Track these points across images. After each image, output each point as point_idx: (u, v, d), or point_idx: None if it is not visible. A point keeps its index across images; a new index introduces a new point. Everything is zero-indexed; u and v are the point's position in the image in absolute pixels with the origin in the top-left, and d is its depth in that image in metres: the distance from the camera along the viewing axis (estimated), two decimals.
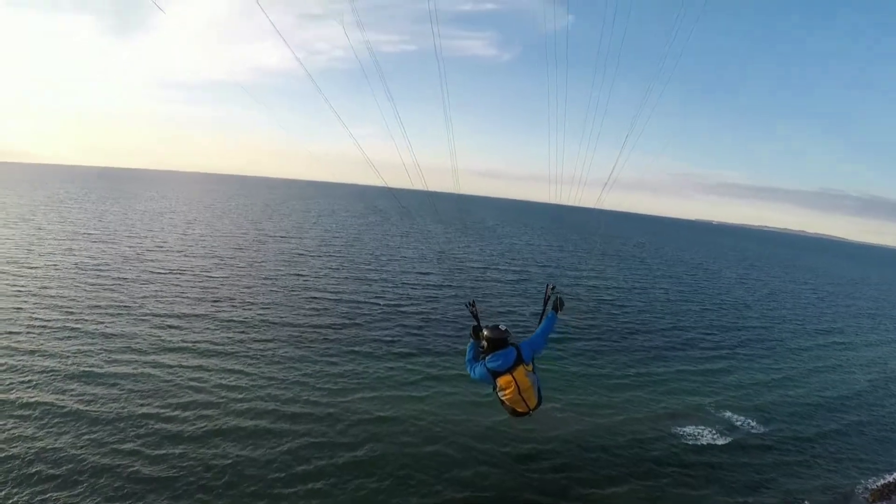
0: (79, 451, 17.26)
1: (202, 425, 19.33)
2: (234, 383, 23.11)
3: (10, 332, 26.66)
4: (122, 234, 61.67)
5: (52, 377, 22.13)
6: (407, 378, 25.23)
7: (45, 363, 23.36)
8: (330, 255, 57.30)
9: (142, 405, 20.50)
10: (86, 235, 58.26)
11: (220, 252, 54.30)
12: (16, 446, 17.34)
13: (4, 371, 22.48)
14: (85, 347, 25.64)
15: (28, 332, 26.90)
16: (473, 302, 7.52)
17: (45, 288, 35.39)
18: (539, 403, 6.81)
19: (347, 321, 33.22)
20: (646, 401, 25.34)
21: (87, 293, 34.79)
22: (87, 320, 29.50)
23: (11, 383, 21.47)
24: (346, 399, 22.39)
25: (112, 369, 23.43)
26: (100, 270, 41.53)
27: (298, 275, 45.67)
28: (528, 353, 6.80)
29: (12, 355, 24.06)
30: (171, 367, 24.16)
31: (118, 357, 24.78)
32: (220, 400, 21.40)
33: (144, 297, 34.96)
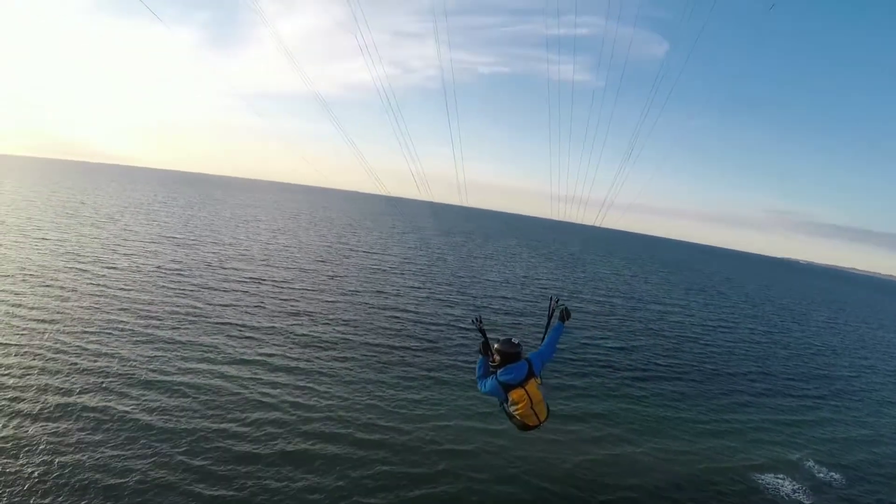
0: (142, 463, 16.30)
1: (271, 445, 18.18)
2: (307, 402, 21.64)
3: (85, 332, 25.94)
4: (207, 239, 61.88)
5: (122, 382, 21.21)
6: (484, 409, 22.62)
7: (117, 367, 22.48)
8: (412, 274, 54.60)
9: (211, 419, 19.43)
10: (171, 239, 58.68)
11: (302, 264, 52.98)
12: (79, 452, 16.43)
13: (74, 372, 21.70)
14: (158, 354, 24.62)
15: (102, 334, 26.14)
16: (480, 318, 7.56)
17: (125, 289, 34.70)
18: (548, 416, 6.82)
19: (427, 344, 30.88)
20: (729, 449, 23.12)
21: (165, 298, 33.83)
22: (163, 326, 28.34)
23: (80, 385, 20.64)
24: (421, 427, 20.82)
25: (183, 378, 22.36)
26: (181, 275, 40.79)
27: (380, 292, 43.06)
28: (538, 365, 6.84)
29: (83, 355, 23.35)
30: (243, 380, 22.88)
31: (190, 366, 23.66)
32: (291, 419, 20.11)
33: (223, 305, 33.65)
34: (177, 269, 42.43)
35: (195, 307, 32.43)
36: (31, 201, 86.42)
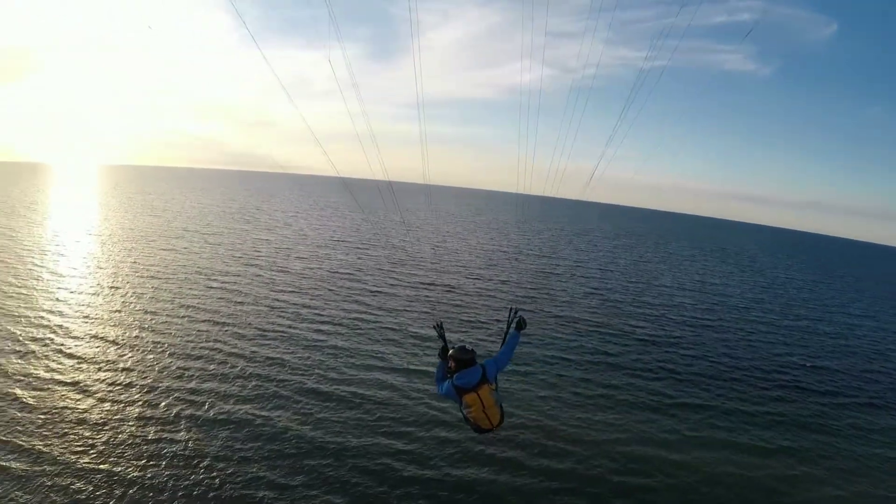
0: (305, 477, 15.57)
1: (439, 467, 16.29)
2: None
3: (256, 335, 26.69)
4: (377, 244, 63.14)
5: (287, 389, 21.03)
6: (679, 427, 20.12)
7: (286, 376, 22.22)
8: (583, 278, 50.86)
9: (380, 433, 18.26)
10: (342, 243, 61.26)
11: (472, 267, 51.52)
12: (241, 463, 16.03)
13: (243, 377, 22.02)
14: (326, 360, 24.43)
15: (272, 338, 26.71)
16: (441, 323, 8.01)
17: (297, 292, 35.95)
18: (501, 421, 7.08)
19: (601, 352, 27.77)
20: None
21: (335, 302, 34.12)
22: (332, 332, 28.30)
23: (248, 390, 20.74)
24: (626, 449, 18.39)
25: (350, 389, 21.62)
26: (353, 279, 41.21)
27: (552, 298, 40.05)
28: (492, 371, 7.15)
29: (253, 359, 23.82)
30: (412, 395, 21.17)
31: (357, 376, 22.84)
32: (461, 438, 18.02)
33: (391, 309, 33.08)
34: (348, 273, 43.28)
35: (365, 312, 32.36)
36: (210, 208, 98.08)
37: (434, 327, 8.15)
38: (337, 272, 44.15)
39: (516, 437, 18.03)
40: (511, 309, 8.08)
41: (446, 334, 7.94)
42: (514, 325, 7.95)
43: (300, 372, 22.56)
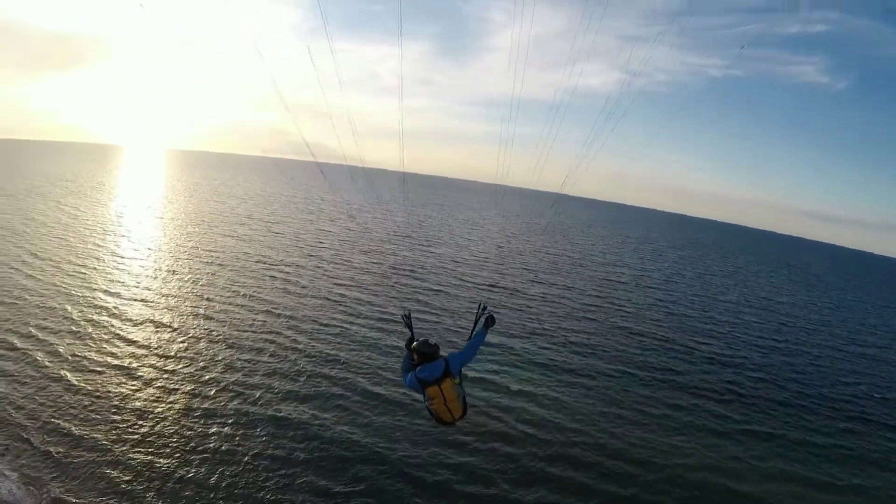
0: (342, 488, 15.15)
1: (510, 495, 15.78)
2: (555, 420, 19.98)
3: (317, 331, 26.95)
4: (441, 241, 63.84)
5: (341, 388, 21.13)
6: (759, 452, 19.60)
7: (340, 373, 22.44)
8: (649, 288, 50.12)
9: (438, 444, 17.92)
10: (406, 238, 61.79)
11: (536, 271, 51.22)
12: (274, 463, 16.04)
13: (298, 373, 22.08)
14: (384, 360, 24.29)
15: (329, 334, 26.83)
16: (409, 314, 8.06)
17: (358, 287, 36.41)
18: (463, 414, 7.25)
19: (666, 369, 27.43)
20: None
21: (395, 300, 34.43)
22: (389, 330, 28.02)
23: (294, 386, 20.78)
24: (692, 476, 18.23)
25: (406, 393, 20.69)
26: (413, 276, 41.55)
27: (617, 307, 39.50)
28: (455, 366, 7.19)
29: (308, 354, 24.06)
30: (473, 404, 19.42)
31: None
32: (526, 457, 17.86)
33: (452, 311, 33.25)
34: (409, 270, 43.64)
35: (426, 311, 32.66)
36: (275, 197, 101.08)
37: (402, 317, 8.16)
38: (399, 268, 44.32)
39: (581, 455, 17.99)
40: (479, 304, 8.10)
41: (414, 325, 8.02)
42: (482, 321, 7.93)
43: (355, 370, 22.60)
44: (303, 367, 22.44)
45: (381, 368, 22.94)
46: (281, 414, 18.53)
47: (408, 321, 7.97)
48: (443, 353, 7.35)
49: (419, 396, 7.24)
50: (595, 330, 32.97)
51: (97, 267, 35.69)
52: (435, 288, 38.41)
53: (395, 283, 39.08)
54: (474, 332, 7.93)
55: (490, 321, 7.84)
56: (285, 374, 21.80)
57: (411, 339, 7.61)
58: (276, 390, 20.26)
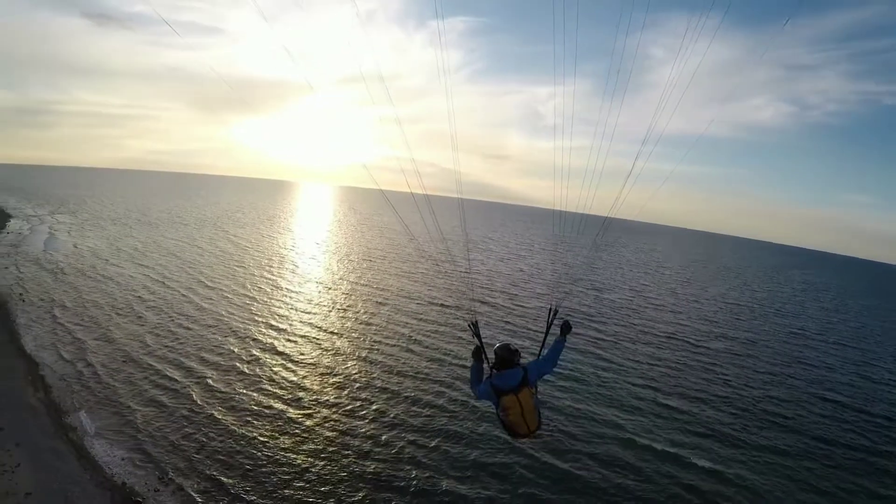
0: None
1: None
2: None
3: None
4: (615, 284, 63.62)
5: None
6: None
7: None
8: (837, 345, 44.75)
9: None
10: (579, 281, 61.38)
11: (715, 320, 49.05)
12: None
13: (471, 431, 22.03)
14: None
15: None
16: (476, 322, 7.54)
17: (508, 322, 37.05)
18: (539, 427, 6.76)
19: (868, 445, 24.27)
20: None
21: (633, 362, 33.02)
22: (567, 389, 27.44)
23: (466, 449, 20.45)
24: None
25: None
26: (594, 319, 41.86)
27: (809, 366, 36.29)
28: (534, 375, 6.81)
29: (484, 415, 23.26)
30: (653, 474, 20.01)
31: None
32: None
33: (637, 362, 32.43)
34: (587, 314, 43.77)
35: (612, 359, 32.24)
36: (448, 234, 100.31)
37: (469, 325, 7.67)
38: (577, 311, 44.35)
39: None
40: (551, 309, 7.58)
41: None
42: (556, 328, 7.45)
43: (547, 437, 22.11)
44: (477, 419, 22.82)
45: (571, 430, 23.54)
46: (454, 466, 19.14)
47: (475, 330, 7.47)
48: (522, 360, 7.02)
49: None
50: (790, 396, 30.57)
51: (266, 300, 39.39)
52: (602, 333, 38.63)
53: (590, 326, 38.61)
54: (549, 340, 7.56)
55: (566, 328, 7.34)
56: (457, 433, 21.78)
57: (479, 349, 7.22)
58: (450, 442, 20.87)
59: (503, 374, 6.71)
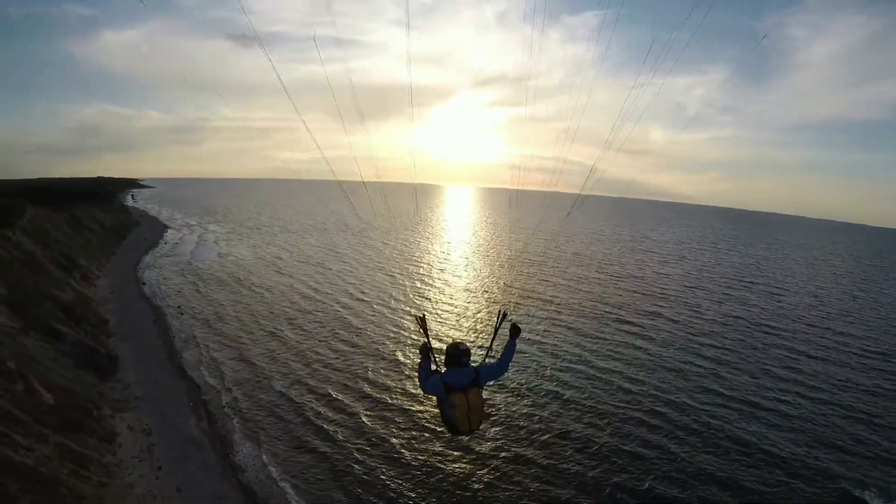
0: None
1: None
2: None
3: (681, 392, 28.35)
4: (790, 288, 60.75)
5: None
6: None
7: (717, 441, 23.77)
8: None
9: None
10: (748, 285, 59.23)
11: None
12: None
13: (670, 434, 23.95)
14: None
15: (694, 397, 27.70)
16: (424, 317, 7.49)
17: (710, 335, 37.37)
18: (479, 426, 6.95)
19: None
20: None
21: (743, 350, 34.44)
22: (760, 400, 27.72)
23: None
24: None
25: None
26: (770, 330, 40.92)
27: None
28: (485, 377, 6.94)
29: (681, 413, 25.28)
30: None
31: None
32: None
33: (812, 374, 31.90)
34: (753, 319, 43.30)
35: (789, 370, 31.97)
36: (598, 235, 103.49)
37: (416, 319, 7.60)
38: (751, 319, 43.82)
39: None
40: (499, 312, 7.50)
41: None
42: (504, 329, 7.46)
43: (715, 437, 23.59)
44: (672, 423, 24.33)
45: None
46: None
47: (423, 325, 7.36)
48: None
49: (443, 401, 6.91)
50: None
51: (411, 302, 39.73)
52: (798, 347, 37.84)
53: (750, 336, 39.00)
54: (493, 342, 7.72)
55: (515, 330, 7.33)
56: (648, 438, 23.15)
57: (426, 344, 7.11)
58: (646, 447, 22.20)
59: (456, 372, 6.84)
